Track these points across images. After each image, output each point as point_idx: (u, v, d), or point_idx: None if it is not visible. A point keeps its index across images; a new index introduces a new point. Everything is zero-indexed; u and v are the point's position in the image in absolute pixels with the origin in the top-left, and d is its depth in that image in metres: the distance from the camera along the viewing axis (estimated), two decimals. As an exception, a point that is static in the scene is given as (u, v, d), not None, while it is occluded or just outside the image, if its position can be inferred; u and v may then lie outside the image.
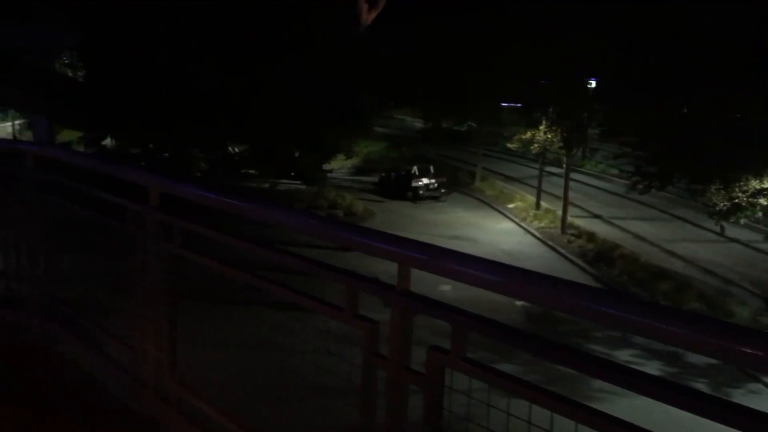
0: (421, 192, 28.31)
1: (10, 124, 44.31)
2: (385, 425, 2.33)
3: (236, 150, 28.52)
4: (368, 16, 33.36)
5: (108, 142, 28.85)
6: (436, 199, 28.52)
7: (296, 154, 25.15)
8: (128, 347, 3.70)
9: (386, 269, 2.36)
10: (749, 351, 1.54)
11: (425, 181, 28.61)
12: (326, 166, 30.30)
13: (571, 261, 20.72)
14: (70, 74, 34.37)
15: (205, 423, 3.26)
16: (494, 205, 28.28)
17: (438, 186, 28.93)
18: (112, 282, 3.85)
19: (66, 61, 37.52)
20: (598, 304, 1.89)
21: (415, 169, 29.06)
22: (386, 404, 2.33)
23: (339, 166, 33.96)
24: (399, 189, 28.30)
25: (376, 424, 2.41)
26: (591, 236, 22.43)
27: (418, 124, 45.31)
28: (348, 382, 2.78)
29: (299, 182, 27.44)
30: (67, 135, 35.27)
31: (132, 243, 3.47)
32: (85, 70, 30.30)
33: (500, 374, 2.09)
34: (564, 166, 23.94)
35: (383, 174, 30.77)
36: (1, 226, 4.48)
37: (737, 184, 12.43)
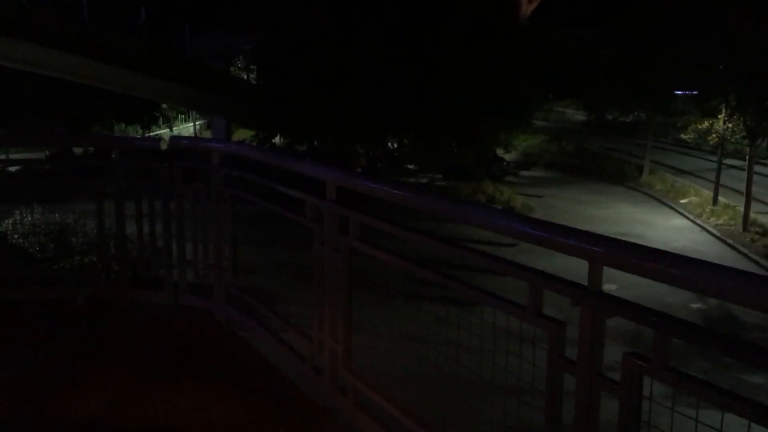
0: (498, 173, 32.18)
1: (191, 124, 48.29)
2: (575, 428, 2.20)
3: (394, 145, 29.01)
4: (528, 7, 32.52)
5: (277, 140, 30.54)
6: (514, 175, 32.57)
7: (455, 149, 25.11)
8: (305, 336, 3.82)
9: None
10: None
11: (503, 163, 33.14)
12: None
13: (755, 262, 18.91)
14: (244, 77, 36.76)
15: (379, 414, 3.29)
16: (664, 200, 26.53)
17: (509, 165, 33.74)
18: (291, 273, 4.01)
19: (239, 65, 40.20)
20: None
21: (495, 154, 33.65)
22: (575, 411, 2.19)
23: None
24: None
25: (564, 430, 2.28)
26: (777, 234, 20.36)
27: (579, 116, 43.56)
28: (519, 380, 2.67)
29: (458, 177, 27.40)
30: (240, 134, 37.81)
31: (309, 236, 3.58)
32: (257, 73, 32.26)
33: (715, 389, 1.86)
34: (747, 157, 21.86)
35: None
36: (191, 218, 4.81)
37: None
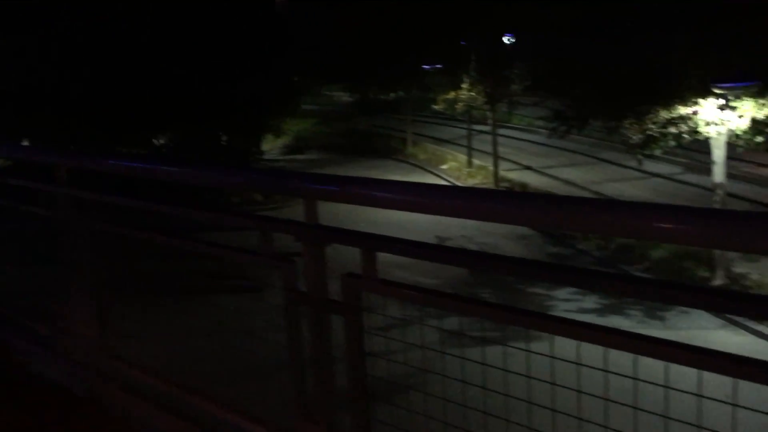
0: None
1: None
2: (313, 357, 2.42)
3: (161, 142, 27.83)
4: (282, -7, 32.75)
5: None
6: None
7: (224, 139, 24.72)
8: (61, 330, 3.69)
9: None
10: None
11: None
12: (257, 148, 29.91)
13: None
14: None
15: (147, 392, 3.30)
16: (428, 167, 28.60)
17: None
18: (37, 271, 3.82)
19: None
20: (514, 205, 1.96)
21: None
22: (312, 337, 2.42)
23: (270, 147, 33.55)
24: None
25: (305, 359, 2.49)
26: (523, 187, 22.99)
27: (346, 98, 45.12)
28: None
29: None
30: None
31: (51, 226, 3.44)
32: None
33: (416, 289, 2.19)
34: (490, 122, 24.34)
35: None
36: None
37: (648, 117, 12.95)
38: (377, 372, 2.35)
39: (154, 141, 25.10)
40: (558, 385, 1.94)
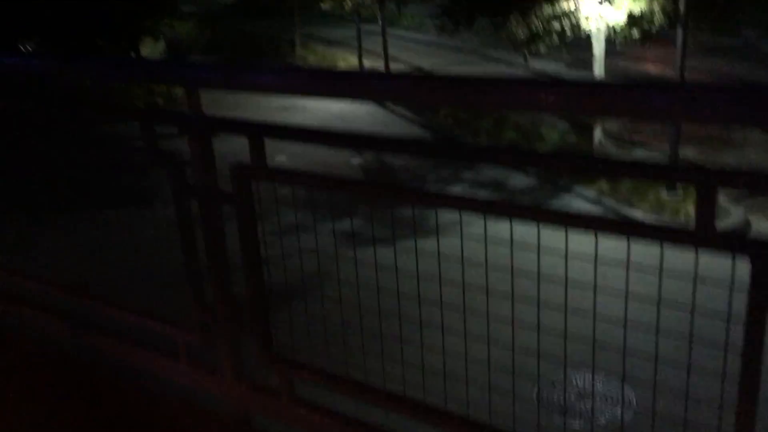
0: None
1: None
2: (206, 251, 2.40)
3: (29, 48, 25.60)
4: None
5: None
6: None
7: (99, 43, 22.98)
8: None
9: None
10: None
11: None
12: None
13: (398, 114, 21.33)
14: None
15: (36, 300, 3.20)
16: (319, 70, 28.07)
17: None
18: None
19: None
20: (388, 83, 1.97)
21: None
22: (204, 232, 2.39)
23: (149, 51, 31.63)
24: None
25: (200, 257, 2.47)
26: (414, 87, 23.07)
27: (227, -1, 42.84)
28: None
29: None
30: None
31: None
32: None
33: (307, 175, 2.19)
34: (380, 21, 23.93)
35: None
36: None
37: (533, 12, 13.18)
38: (273, 277, 2.37)
39: (20, 47, 23.06)
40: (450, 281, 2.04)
